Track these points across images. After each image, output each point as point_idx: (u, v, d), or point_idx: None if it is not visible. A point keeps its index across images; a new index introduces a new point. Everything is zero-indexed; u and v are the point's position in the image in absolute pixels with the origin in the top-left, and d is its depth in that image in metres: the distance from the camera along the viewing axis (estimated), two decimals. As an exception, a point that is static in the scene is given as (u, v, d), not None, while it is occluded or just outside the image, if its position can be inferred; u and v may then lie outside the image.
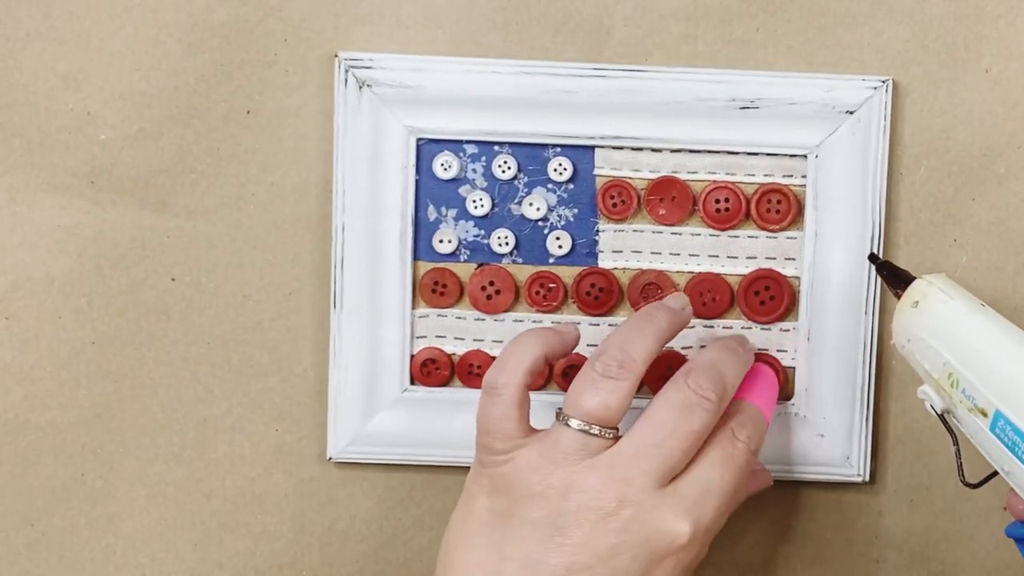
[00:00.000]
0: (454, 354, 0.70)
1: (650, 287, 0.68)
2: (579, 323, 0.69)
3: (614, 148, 0.68)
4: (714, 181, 0.68)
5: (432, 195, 0.69)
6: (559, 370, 0.69)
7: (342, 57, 0.67)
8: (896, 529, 0.70)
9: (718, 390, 0.61)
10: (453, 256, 0.69)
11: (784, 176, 0.68)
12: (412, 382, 0.70)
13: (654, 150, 0.68)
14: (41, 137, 0.69)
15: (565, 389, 0.69)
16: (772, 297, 0.68)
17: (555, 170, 0.68)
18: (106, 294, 0.70)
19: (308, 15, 0.68)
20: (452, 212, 0.69)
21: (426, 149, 0.68)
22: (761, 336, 0.69)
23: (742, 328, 0.69)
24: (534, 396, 0.64)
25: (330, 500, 0.71)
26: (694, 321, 0.68)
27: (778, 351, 0.69)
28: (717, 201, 0.68)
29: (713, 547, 0.62)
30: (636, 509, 0.59)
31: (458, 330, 0.70)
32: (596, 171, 0.68)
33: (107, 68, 0.68)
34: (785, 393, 0.69)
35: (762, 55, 0.67)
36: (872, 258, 0.65)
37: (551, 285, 0.69)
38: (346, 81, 0.67)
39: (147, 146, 0.69)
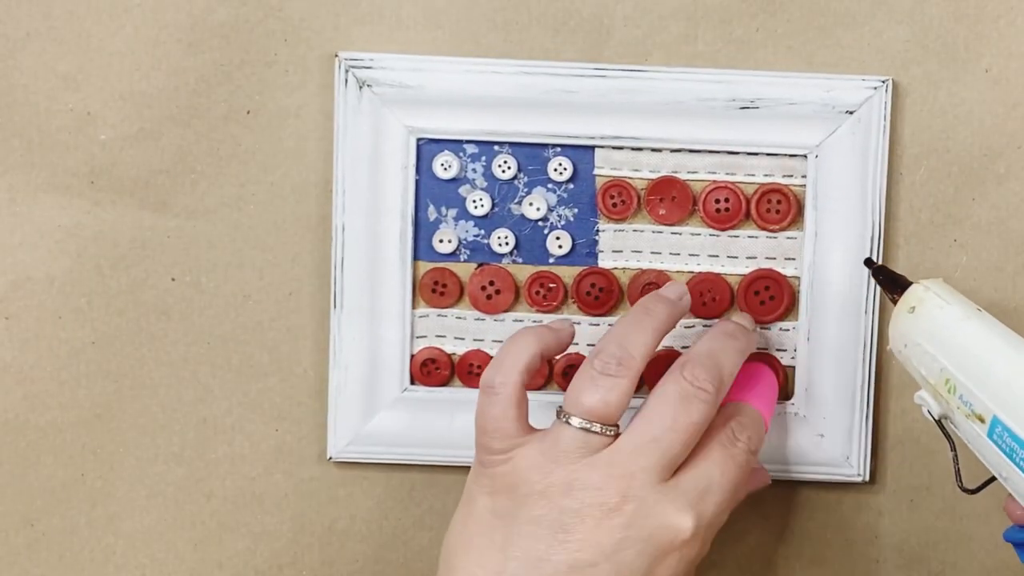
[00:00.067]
0: (454, 354, 0.70)
1: (650, 287, 0.68)
2: (579, 323, 0.69)
3: (614, 148, 0.68)
4: (714, 181, 0.68)
5: (432, 195, 0.69)
6: (559, 370, 0.69)
7: (342, 57, 0.67)
8: (896, 529, 0.70)
9: (715, 380, 0.61)
10: (453, 256, 0.69)
11: (784, 176, 0.68)
12: (412, 382, 0.70)
13: (654, 150, 0.68)
14: (41, 137, 0.69)
15: (565, 388, 0.69)
16: (772, 297, 0.68)
17: (555, 170, 0.68)
18: (106, 294, 0.70)
19: (308, 15, 0.68)
20: (452, 212, 0.69)
21: (426, 149, 0.68)
22: (761, 336, 0.69)
23: (742, 328, 0.69)
24: (533, 396, 0.64)
25: (330, 500, 0.71)
26: (695, 321, 0.68)
27: (778, 351, 0.69)
28: (717, 201, 0.68)
29: (713, 546, 0.62)
30: (639, 504, 0.59)
31: (458, 330, 0.70)
32: (596, 171, 0.68)
33: (107, 68, 0.68)
34: (785, 393, 0.69)
35: (762, 55, 0.67)
36: (868, 263, 0.65)
37: (551, 285, 0.69)
38: (346, 81, 0.67)
39: (147, 146, 0.69)
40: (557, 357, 0.68)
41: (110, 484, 0.71)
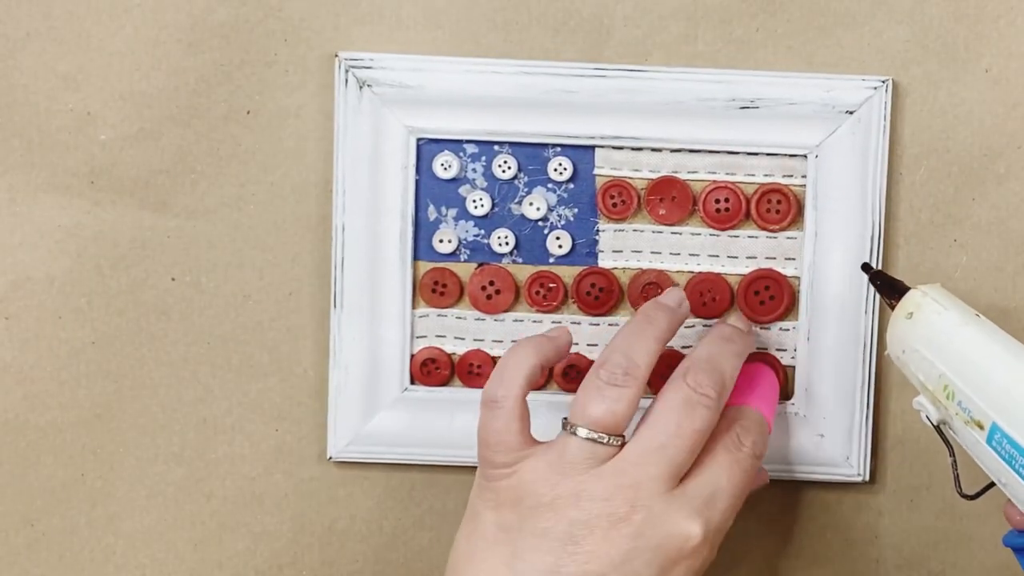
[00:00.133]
0: (454, 354, 0.70)
1: (650, 287, 0.68)
2: (579, 323, 0.69)
3: (614, 148, 0.68)
4: (714, 181, 0.68)
5: (432, 195, 0.69)
6: (559, 370, 0.69)
7: (342, 57, 0.67)
8: (896, 529, 0.70)
9: (717, 386, 0.61)
10: (453, 256, 0.69)
11: (784, 176, 0.68)
12: (412, 382, 0.70)
13: (654, 150, 0.68)
14: (41, 137, 0.69)
15: (565, 389, 0.69)
16: (772, 297, 0.68)
17: (555, 170, 0.68)
18: (106, 294, 0.70)
19: (308, 15, 0.68)
20: (452, 212, 0.69)
21: (426, 149, 0.68)
22: (761, 336, 0.69)
23: (742, 328, 0.69)
24: (534, 397, 0.64)
25: (330, 500, 0.71)
26: (695, 321, 0.68)
27: (778, 351, 0.69)
28: (717, 201, 0.68)
29: (713, 547, 0.63)
30: (647, 513, 0.59)
31: (458, 330, 0.70)
32: (596, 171, 0.68)
33: (107, 68, 0.68)
34: (785, 393, 0.69)
35: (762, 55, 0.67)
36: (866, 268, 0.65)
37: (551, 285, 0.69)
38: (346, 81, 0.67)
39: (147, 146, 0.69)
40: (556, 362, 0.68)
41: (110, 484, 0.71)
